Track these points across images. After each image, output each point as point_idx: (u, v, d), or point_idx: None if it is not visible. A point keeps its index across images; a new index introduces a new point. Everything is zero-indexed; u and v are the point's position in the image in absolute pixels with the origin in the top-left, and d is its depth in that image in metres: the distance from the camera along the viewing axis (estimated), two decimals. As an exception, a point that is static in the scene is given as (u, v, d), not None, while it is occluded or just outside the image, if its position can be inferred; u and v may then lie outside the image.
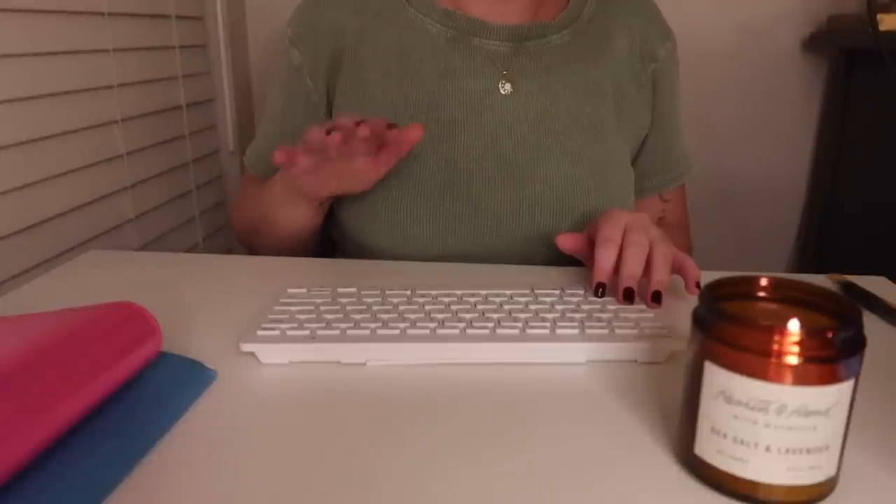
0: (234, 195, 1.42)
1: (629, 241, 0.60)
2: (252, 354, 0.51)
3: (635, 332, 0.53)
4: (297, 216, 0.77)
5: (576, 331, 0.53)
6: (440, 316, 0.55)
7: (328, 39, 0.80)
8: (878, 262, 1.24)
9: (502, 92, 0.78)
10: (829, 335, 0.34)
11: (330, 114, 0.82)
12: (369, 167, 0.68)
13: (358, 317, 0.54)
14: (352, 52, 0.80)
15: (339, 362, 0.51)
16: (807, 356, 0.34)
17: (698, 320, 0.38)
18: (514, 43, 0.79)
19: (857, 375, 0.36)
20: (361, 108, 0.79)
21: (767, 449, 0.35)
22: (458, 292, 0.59)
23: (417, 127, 0.64)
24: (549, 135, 0.78)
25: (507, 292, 0.60)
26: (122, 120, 1.03)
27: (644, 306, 0.58)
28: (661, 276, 0.59)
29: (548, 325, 0.53)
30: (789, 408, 0.35)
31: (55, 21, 0.90)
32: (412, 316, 0.54)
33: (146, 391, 0.45)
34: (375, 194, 0.77)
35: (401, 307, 0.56)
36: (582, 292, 0.60)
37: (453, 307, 0.56)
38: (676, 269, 0.62)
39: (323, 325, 0.53)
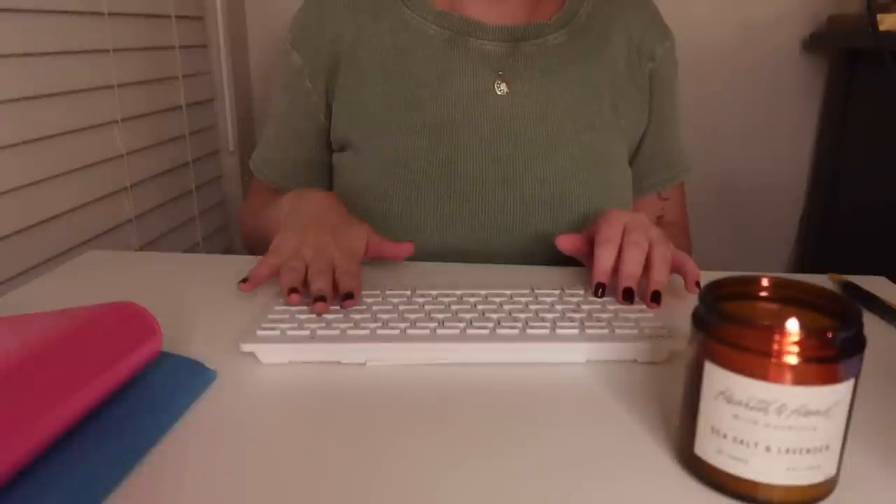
0: (238, 197, 1.42)
1: (628, 241, 0.60)
2: (252, 354, 0.51)
3: (635, 332, 0.53)
4: None
5: (576, 331, 0.53)
6: (440, 316, 0.55)
7: (327, 42, 0.80)
8: (878, 262, 1.24)
9: (498, 92, 0.78)
10: (829, 335, 0.34)
11: (329, 116, 0.82)
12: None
13: (358, 317, 0.54)
14: (350, 55, 0.80)
15: (338, 362, 0.51)
16: (807, 356, 0.34)
17: (698, 320, 0.38)
18: (510, 43, 0.79)
19: (857, 375, 0.36)
20: (359, 110, 0.79)
21: (767, 449, 0.35)
22: (458, 292, 0.59)
23: (409, 245, 0.67)
24: (546, 134, 0.78)
25: (507, 292, 0.59)
26: (122, 120, 1.03)
27: (644, 306, 0.58)
28: (660, 276, 0.59)
29: (548, 325, 0.53)
30: (789, 408, 0.35)
31: (55, 21, 0.90)
32: (412, 316, 0.54)
33: (146, 391, 0.45)
34: (375, 196, 0.77)
35: (401, 307, 0.56)
36: (582, 292, 0.60)
37: (453, 307, 0.56)
38: (676, 268, 0.62)
39: (323, 325, 0.53)
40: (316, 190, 0.72)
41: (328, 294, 0.55)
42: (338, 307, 0.56)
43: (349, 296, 0.56)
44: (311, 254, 0.60)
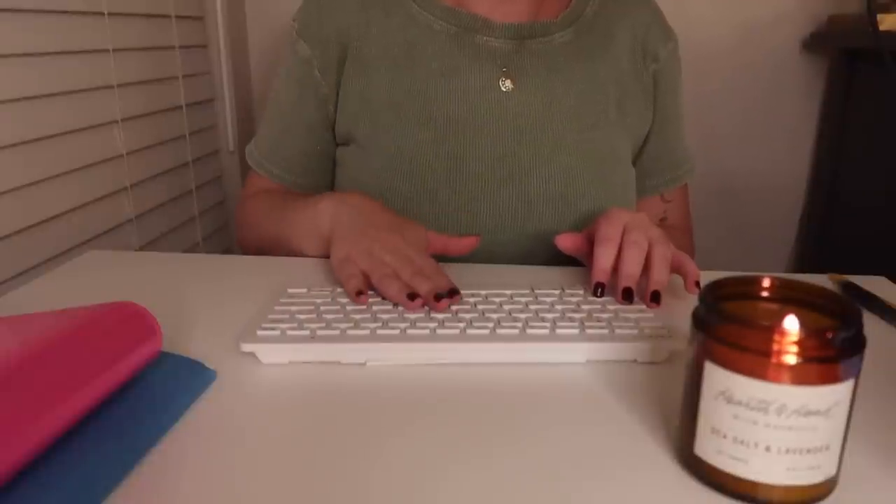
0: (235, 195, 1.42)
1: (628, 241, 0.60)
2: (252, 354, 0.51)
3: (635, 332, 0.53)
4: (319, 252, 0.72)
5: (576, 331, 0.53)
6: (440, 316, 0.55)
7: (334, 34, 0.80)
8: (878, 262, 1.24)
9: (503, 89, 0.78)
10: (829, 335, 0.34)
11: (336, 108, 0.82)
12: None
13: (358, 317, 0.54)
14: (356, 48, 0.80)
15: (338, 362, 0.51)
16: (807, 356, 0.34)
17: (698, 320, 0.38)
18: (516, 41, 0.79)
19: (857, 375, 0.36)
20: (364, 104, 0.79)
21: (767, 449, 0.35)
22: (458, 292, 0.59)
23: (473, 239, 0.67)
24: (550, 132, 0.78)
25: (507, 292, 0.59)
26: (122, 120, 1.03)
27: (644, 306, 0.58)
28: (659, 276, 0.59)
29: (548, 325, 0.53)
30: (789, 408, 0.35)
31: (55, 21, 0.90)
32: (412, 316, 0.54)
33: (146, 391, 0.45)
34: (378, 191, 0.77)
35: (401, 307, 0.56)
36: (582, 292, 0.60)
37: (453, 307, 0.56)
38: (676, 268, 0.62)
39: (323, 325, 0.53)
40: (351, 194, 0.71)
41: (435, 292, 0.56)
42: (338, 307, 0.56)
43: (456, 291, 0.57)
44: (391, 257, 0.60)
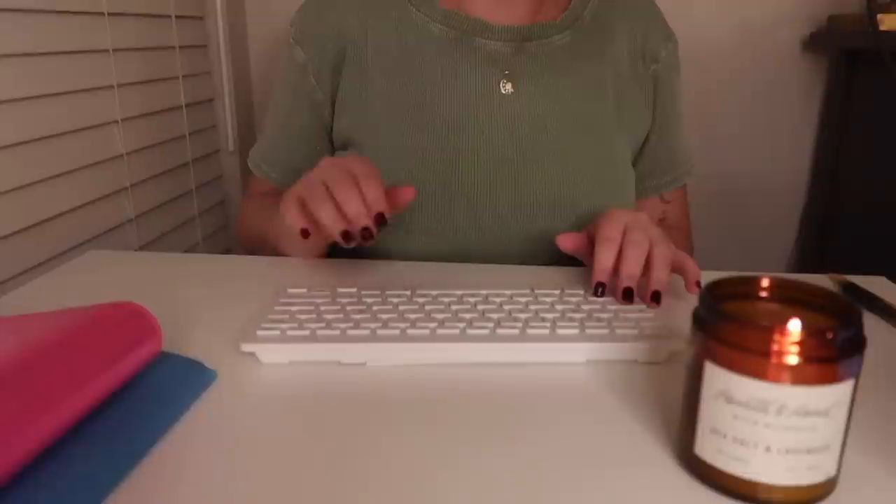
0: (238, 197, 1.42)
1: (629, 241, 0.60)
2: (252, 354, 0.51)
3: (635, 332, 0.53)
4: (299, 252, 0.75)
5: (576, 331, 0.53)
6: (440, 316, 0.55)
7: (332, 38, 0.80)
8: (878, 262, 1.24)
9: (503, 91, 0.78)
10: (829, 335, 0.34)
11: (332, 113, 0.82)
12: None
13: (358, 317, 0.54)
14: (354, 52, 0.80)
15: (338, 362, 0.51)
16: (806, 356, 0.34)
17: (698, 320, 0.38)
18: (516, 43, 0.79)
19: (857, 375, 0.36)
20: (363, 108, 0.79)
21: (767, 449, 0.35)
22: (458, 292, 0.59)
23: (410, 189, 0.64)
24: (550, 134, 0.78)
25: (507, 292, 0.59)
26: (122, 120, 1.03)
27: (644, 306, 0.58)
28: (660, 276, 0.59)
29: (548, 325, 0.53)
30: (789, 408, 0.35)
31: (55, 21, 0.90)
32: (412, 316, 0.54)
33: (146, 391, 0.45)
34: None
35: (401, 307, 0.56)
36: (582, 292, 0.60)
37: (453, 307, 0.56)
38: (676, 268, 0.62)
39: (323, 325, 0.53)
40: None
41: (364, 214, 0.56)
42: (338, 307, 0.56)
43: (382, 216, 0.57)
44: (332, 175, 0.58)
